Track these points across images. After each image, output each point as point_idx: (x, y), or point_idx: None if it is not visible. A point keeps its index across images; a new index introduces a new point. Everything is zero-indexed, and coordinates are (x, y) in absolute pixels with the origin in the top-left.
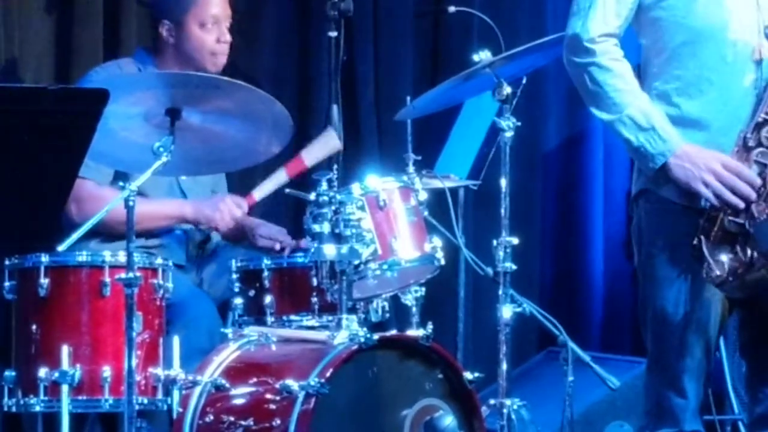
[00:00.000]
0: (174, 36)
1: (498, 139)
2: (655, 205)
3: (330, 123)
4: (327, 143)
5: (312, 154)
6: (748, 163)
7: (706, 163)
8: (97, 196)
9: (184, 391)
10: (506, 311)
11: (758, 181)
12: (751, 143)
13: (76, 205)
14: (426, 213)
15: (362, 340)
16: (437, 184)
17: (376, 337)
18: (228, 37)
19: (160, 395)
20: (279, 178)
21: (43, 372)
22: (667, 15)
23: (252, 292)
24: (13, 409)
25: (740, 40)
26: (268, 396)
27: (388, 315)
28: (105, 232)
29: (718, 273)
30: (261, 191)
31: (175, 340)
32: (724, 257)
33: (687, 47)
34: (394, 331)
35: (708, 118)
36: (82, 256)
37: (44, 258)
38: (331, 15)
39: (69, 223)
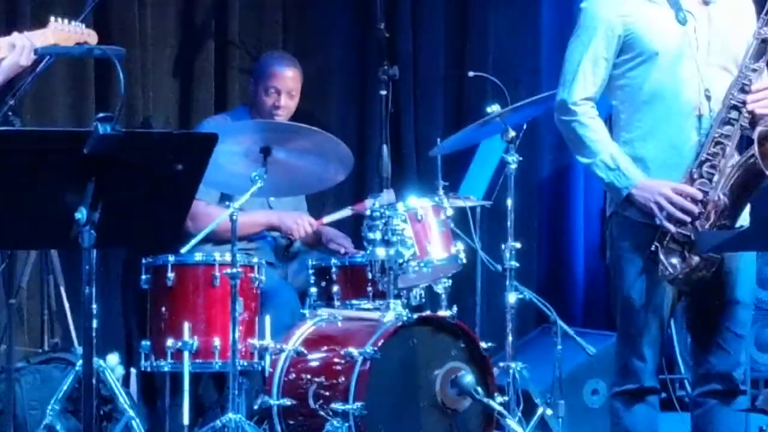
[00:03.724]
0: (253, 94)
1: (505, 170)
2: (623, 220)
3: (381, 161)
4: (385, 197)
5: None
6: None
7: (659, 190)
8: (207, 213)
9: (273, 356)
10: (511, 297)
11: (699, 195)
12: (695, 176)
13: (191, 220)
14: (452, 224)
15: (405, 318)
16: (461, 203)
17: (415, 316)
18: (282, 104)
19: (256, 359)
20: (345, 212)
21: (170, 342)
22: (630, 82)
23: (323, 283)
24: (148, 369)
25: (685, 100)
26: (335, 360)
27: (423, 300)
28: (215, 239)
29: (670, 272)
30: (329, 218)
31: (267, 319)
32: (675, 261)
33: (646, 105)
34: (428, 312)
35: (661, 157)
36: (199, 256)
37: (171, 258)
38: (382, 78)
39: (187, 233)
